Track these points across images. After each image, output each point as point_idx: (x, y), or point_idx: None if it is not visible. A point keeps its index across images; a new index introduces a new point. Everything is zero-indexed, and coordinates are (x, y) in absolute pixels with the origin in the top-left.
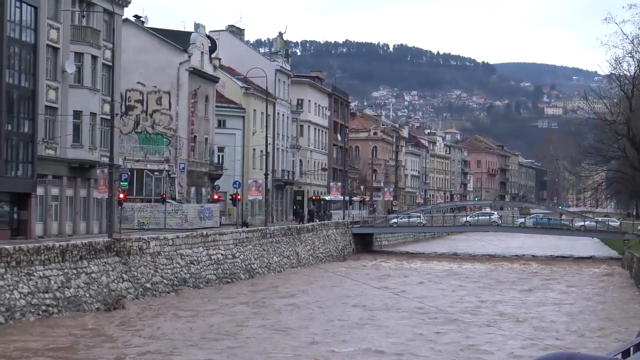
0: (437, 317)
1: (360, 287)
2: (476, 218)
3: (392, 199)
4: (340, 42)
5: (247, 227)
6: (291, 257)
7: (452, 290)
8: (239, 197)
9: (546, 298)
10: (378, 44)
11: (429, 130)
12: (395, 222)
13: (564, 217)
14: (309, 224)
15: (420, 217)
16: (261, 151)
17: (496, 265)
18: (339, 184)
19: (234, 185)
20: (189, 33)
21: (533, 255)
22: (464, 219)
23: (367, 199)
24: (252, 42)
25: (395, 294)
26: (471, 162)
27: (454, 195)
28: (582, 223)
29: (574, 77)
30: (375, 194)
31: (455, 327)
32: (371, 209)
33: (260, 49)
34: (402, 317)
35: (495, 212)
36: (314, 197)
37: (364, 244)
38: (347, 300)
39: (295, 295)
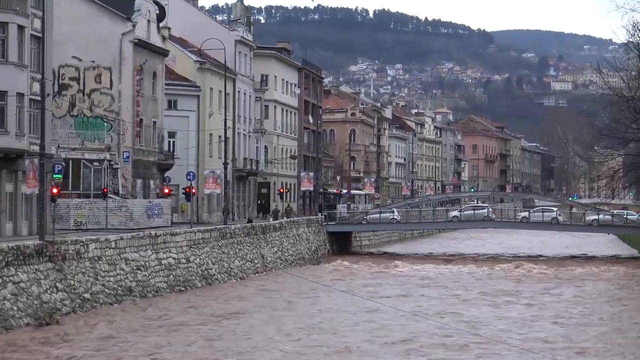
0: (422, 337)
1: (330, 299)
2: (469, 212)
3: (373, 191)
4: (311, 7)
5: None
6: (255, 261)
7: (441, 300)
8: (193, 190)
9: (553, 308)
10: (356, 9)
11: (416, 110)
12: (376, 218)
13: (574, 209)
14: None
15: (394, 212)
16: (219, 136)
17: (495, 267)
18: (311, 174)
19: (188, 177)
20: None
21: (539, 256)
22: (452, 213)
23: (344, 191)
24: (207, 8)
25: (374, 303)
26: (466, 147)
27: (446, 186)
28: (596, 217)
29: (585, 47)
30: (354, 185)
31: (447, 349)
32: (349, 202)
33: (217, 16)
34: (373, 340)
35: (488, 205)
36: (281, 190)
37: (341, 244)
38: (306, 322)
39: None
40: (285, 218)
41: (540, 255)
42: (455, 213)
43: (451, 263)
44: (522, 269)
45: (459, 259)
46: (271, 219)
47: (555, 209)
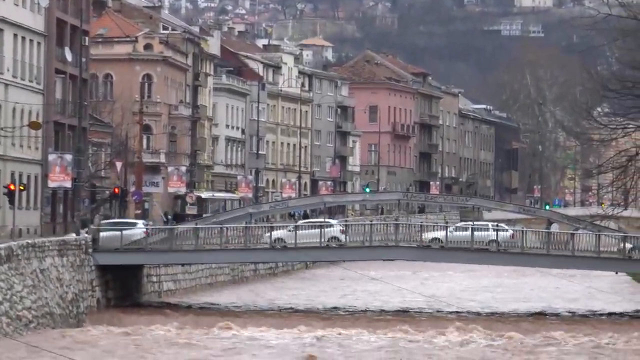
0: None
1: None
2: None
3: (184, 187)
4: None
5: None
6: None
7: None
8: None
9: None
10: None
11: (266, 42)
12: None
13: (555, 226)
14: None
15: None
16: None
17: (407, 334)
18: (69, 157)
19: None
20: None
21: (491, 313)
22: None
23: (131, 191)
24: None
25: None
26: (357, 111)
27: (320, 182)
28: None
29: None
30: (150, 178)
31: None
32: (138, 211)
33: None
34: None
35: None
36: (11, 186)
37: (124, 289)
38: None
39: None
40: None
41: (491, 313)
42: None
43: (329, 326)
44: (459, 336)
45: (340, 316)
46: None
47: (334, 221)
